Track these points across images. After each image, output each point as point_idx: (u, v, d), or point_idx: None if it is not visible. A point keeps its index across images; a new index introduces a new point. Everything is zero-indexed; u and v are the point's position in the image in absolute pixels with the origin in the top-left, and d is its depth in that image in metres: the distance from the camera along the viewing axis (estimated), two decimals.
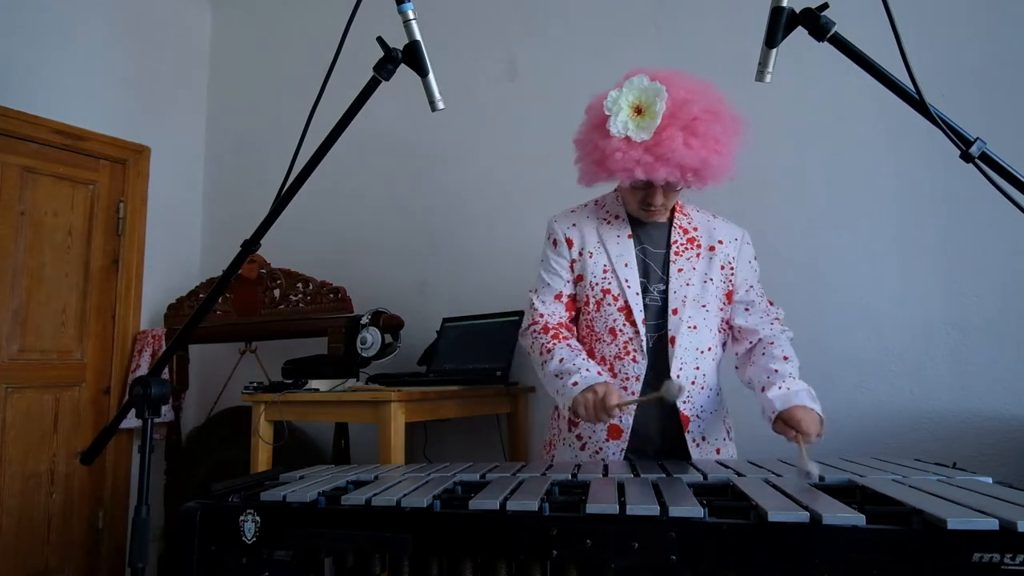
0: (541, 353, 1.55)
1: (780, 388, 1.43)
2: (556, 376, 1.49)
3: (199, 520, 1.10)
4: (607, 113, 1.42)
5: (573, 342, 1.57)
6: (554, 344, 1.54)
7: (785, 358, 1.50)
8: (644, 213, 1.55)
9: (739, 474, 1.16)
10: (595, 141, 1.46)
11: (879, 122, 2.08)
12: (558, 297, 1.62)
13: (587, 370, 1.45)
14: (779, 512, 0.85)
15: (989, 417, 1.89)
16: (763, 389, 1.46)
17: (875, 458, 1.32)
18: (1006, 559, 0.76)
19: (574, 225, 1.63)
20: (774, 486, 1.02)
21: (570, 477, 1.19)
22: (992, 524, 0.78)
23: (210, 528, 1.10)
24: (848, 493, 1.03)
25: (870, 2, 1.03)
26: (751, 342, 1.59)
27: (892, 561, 0.80)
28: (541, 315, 1.61)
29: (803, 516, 0.84)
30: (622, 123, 1.40)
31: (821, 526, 0.83)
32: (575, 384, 1.42)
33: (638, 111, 1.41)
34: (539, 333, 1.59)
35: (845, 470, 1.16)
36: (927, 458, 1.35)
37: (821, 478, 1.09)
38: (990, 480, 1.07)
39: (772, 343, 1.55)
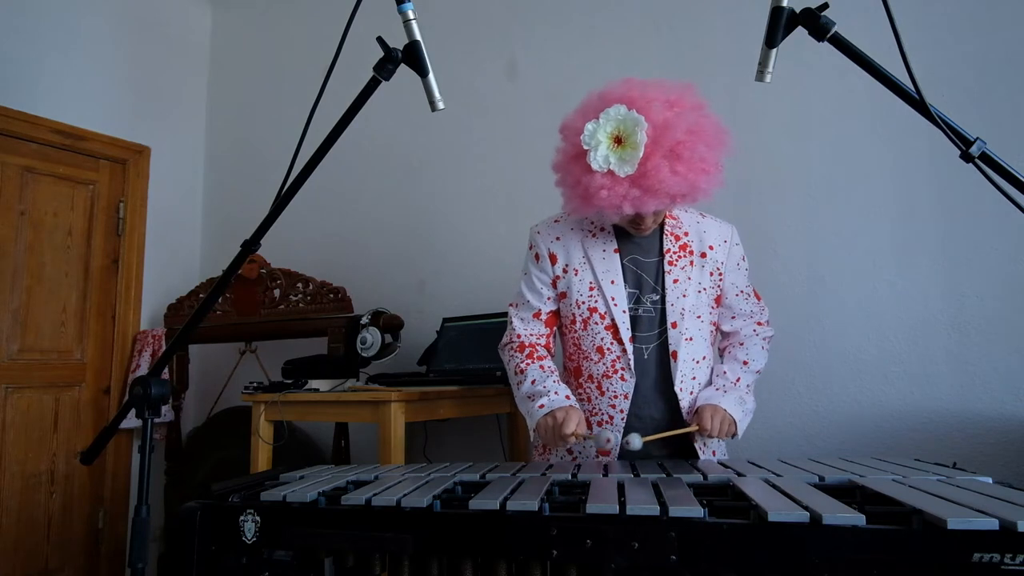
0: (515, 373, 1.57)
1: (715, 389, 1.53)
2: (527, 398, 1.51)
3: (199, 520, 1.10)
4: (585, 148, 1.33)
5: (547, 363, 1.57)
6: (527, 364, 1.55)
7: (745, 363, 1.59)
8: (634, 231, 1.51)
9: (739, 474, 1.16)
10: (577, 175, 1.36)
11: (879, 122, 2.08)
12: (537, 315, 1.61)
13: (555, 393, 1.47)
14: (779, 512, 0.85)
15: (989, 417, 1.89)
16: (708, 383, 1.57)
17: (875, 458, 1.32)
18: (1006, 559, 0.76)
19: (558, 239, 1.59)
20: (774, 486, 1.02)
21: (570, 477, 1.19)
22: (992, 524, 0.78)
23: (210, 528, 1.10)
24: (848, 493, 1.03)
25: (870, 2, 1.04)
26: (730, 340, 1.67)
27: (892, 561, 0.80)
28: (519, 334, 1.61)
29: (803, 516, 0.84)
30: (603, 157, 1.32)
31: (821, 526, 0.83)
32: (541, 407, 1.46)
33: (618, 141, 1.32)
34: (515, 351, 1.60)
35: (845, 470, 1.16)
36: (927, 458, 1.36)
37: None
38: (990, 480, 1.07)
39: (742, 344, 1.63)
